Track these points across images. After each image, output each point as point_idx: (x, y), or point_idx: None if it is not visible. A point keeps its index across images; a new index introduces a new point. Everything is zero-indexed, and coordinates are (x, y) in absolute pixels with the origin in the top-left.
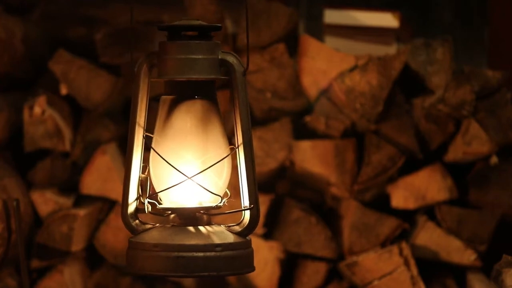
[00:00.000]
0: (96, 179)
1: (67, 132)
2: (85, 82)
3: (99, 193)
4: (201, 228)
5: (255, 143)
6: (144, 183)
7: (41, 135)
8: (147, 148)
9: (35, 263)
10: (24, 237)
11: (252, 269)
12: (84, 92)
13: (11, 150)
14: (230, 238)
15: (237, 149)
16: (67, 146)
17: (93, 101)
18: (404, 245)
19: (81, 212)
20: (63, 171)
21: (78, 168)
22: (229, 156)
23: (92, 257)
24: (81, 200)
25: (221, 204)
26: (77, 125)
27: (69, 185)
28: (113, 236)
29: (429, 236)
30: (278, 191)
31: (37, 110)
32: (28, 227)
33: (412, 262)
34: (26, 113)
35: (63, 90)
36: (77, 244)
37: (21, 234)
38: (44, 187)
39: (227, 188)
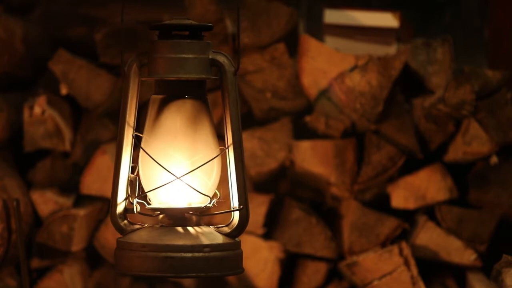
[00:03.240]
0: (96, 179)
1: (67, 132)
2: (85, 82)
3: (99, 193)
4: (189, 228)
5: (255, 143)
6: (133, 183)
7: (41, 135)
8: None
9: (35, 263)
10: (24, 237)
11: (241, 270)
12: (84, 92)
13: (11, 150)
14: (219, 239)
15: (227, 150)
16: (67, 146)
17: (93, 101)
18: (404, 245)
19: (81, 212)
20: (63, 171)
21: (78, 168)
22: (219, 157)
23: (92, 257)
24: (81, 200)
25: (211, 204)
26: (77, 125)
27: (69, 185)
28: (113, 236)
29: (429, 236)
30: (278, 191)
31: (37, 110)
32: (28, 227)
33: (412, 262)
34: (26, 113)
35: (63, 90)
36: (77, 244)
37: (21, 234)
38: (44, 187)
39: (217, 189)
